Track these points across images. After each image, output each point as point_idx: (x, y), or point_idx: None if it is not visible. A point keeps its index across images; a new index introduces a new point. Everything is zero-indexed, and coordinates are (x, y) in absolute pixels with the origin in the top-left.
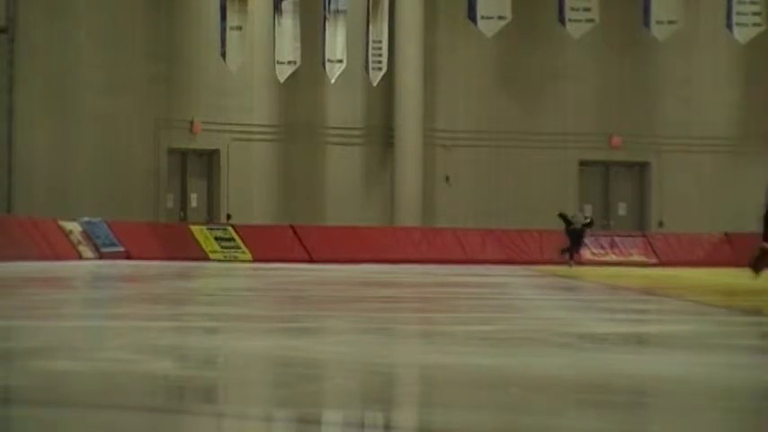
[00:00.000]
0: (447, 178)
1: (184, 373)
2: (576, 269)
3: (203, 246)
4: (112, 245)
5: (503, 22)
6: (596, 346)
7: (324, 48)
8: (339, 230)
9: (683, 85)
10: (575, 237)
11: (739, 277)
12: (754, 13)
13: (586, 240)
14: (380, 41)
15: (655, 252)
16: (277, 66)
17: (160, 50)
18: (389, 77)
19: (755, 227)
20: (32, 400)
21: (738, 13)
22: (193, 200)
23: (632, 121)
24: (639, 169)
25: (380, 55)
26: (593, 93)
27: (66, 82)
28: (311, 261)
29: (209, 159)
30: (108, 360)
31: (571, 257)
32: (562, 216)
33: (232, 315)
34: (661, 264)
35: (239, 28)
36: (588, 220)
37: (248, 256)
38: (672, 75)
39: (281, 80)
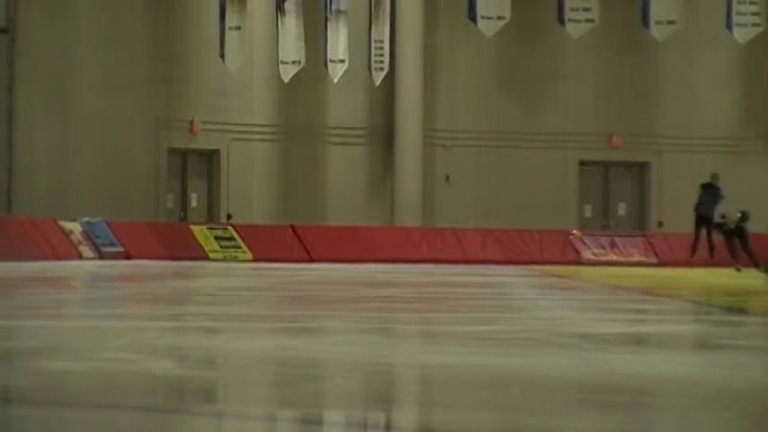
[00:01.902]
0: (447, 178)
1: (184, 373)
2: (747, 272)
3: (203, 245)
4: (112, 245)
5: (502, 22)
6: (597, 346)
7: (325, 48)
8: (339, 230)
9: (683, 85)
10: (730, 237)
11: (740, 277)
12: (754, 14)
13: (586, 240)
14: (382, 41)
15: (655, 252)
16: (281, 66)
17: (160, 50)
18: (390, 77)
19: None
20: (32, 400)
21: (738, 14)
22: (193, 200)
23: (632, 121)
24: (639, 169)
25: (382, 55)
26: (593, 93)
27: (67, 82)
28: (311, 261)
29: (209, 159)
30: (108, 360)
31: (735, 259)
32: (718, 225)
33: (232, 315)
34: (661, 264)
35: (238, 28)
36: (739, 215)
37: (248, 255)
38: (672, 75)
39: (286, 80)
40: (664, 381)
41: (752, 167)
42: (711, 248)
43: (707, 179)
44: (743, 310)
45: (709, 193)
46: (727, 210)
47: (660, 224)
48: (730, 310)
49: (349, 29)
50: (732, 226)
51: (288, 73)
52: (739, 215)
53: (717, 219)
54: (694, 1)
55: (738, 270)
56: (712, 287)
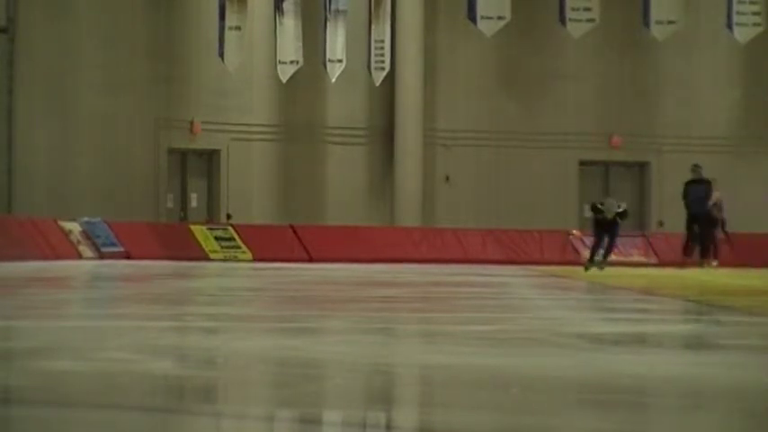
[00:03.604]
0: (447, 178)
1: (184, 373)
2: (596, 271)
3: (203, 245)
4: (112, 245)
5: (502, 22)
6: (596, 347)
7: (324, 47)
8: (339, 230)
9: (683, 85)
10: (603, 229)
11: (739, 277)
12: (754, 13)
13: (586, 240)
14: (383, 41)
15: (655, 252)
16: (279, 66)
17: (160, 50)
18: (390, 77)
19: None
20: (32, 400)
21: (738, 13)
22: (193, 200)
23: (632, 121)
24: (639, 169)
25: (383, 55)
26: (593, 93)
27: (67, 82)
28: (311, 261)
29: (209, 159)
30: (108, 360)
31: (592, 256)
32: (594, 208)
33: (232, 315)
34: (661, 264)
35: (238, 28)
36: (622, 209)
37: (248, 255)
38: (672, 75)
39: (284, 80)
40: (664, 381)
41: (752, 167)
42: (708, 246)
43: (689, 176)
44: (743, 310)
45: (696, 188)
46: (609, 200)
47: (660, 224)
48: (730, 309)
49: (349, 29)
50: (609, 216)
51: (286, 73)
52: (619, 209)
53: (598, 205)
54: (695, 1)
55: (587, 269)
56: (712, 287)
